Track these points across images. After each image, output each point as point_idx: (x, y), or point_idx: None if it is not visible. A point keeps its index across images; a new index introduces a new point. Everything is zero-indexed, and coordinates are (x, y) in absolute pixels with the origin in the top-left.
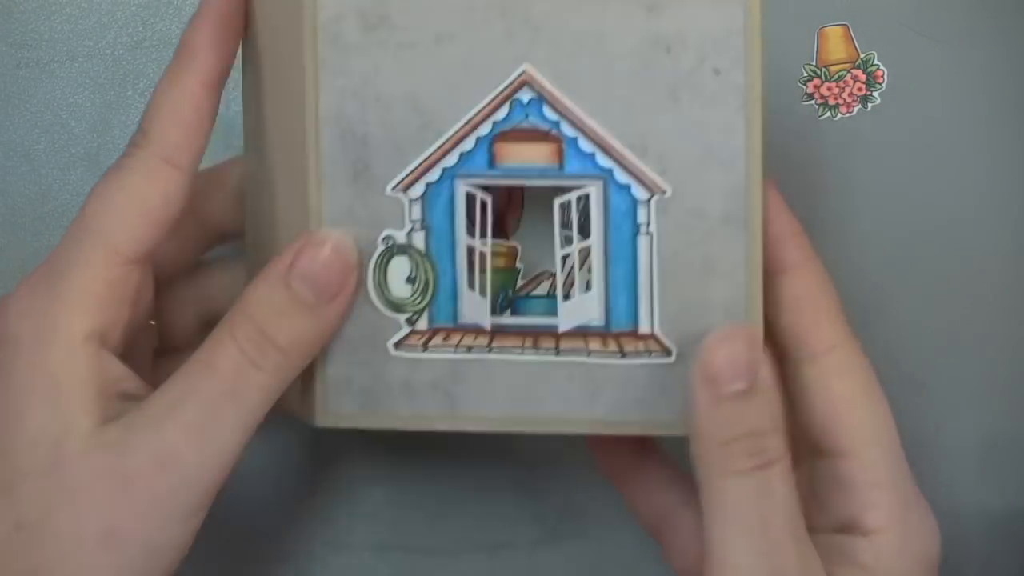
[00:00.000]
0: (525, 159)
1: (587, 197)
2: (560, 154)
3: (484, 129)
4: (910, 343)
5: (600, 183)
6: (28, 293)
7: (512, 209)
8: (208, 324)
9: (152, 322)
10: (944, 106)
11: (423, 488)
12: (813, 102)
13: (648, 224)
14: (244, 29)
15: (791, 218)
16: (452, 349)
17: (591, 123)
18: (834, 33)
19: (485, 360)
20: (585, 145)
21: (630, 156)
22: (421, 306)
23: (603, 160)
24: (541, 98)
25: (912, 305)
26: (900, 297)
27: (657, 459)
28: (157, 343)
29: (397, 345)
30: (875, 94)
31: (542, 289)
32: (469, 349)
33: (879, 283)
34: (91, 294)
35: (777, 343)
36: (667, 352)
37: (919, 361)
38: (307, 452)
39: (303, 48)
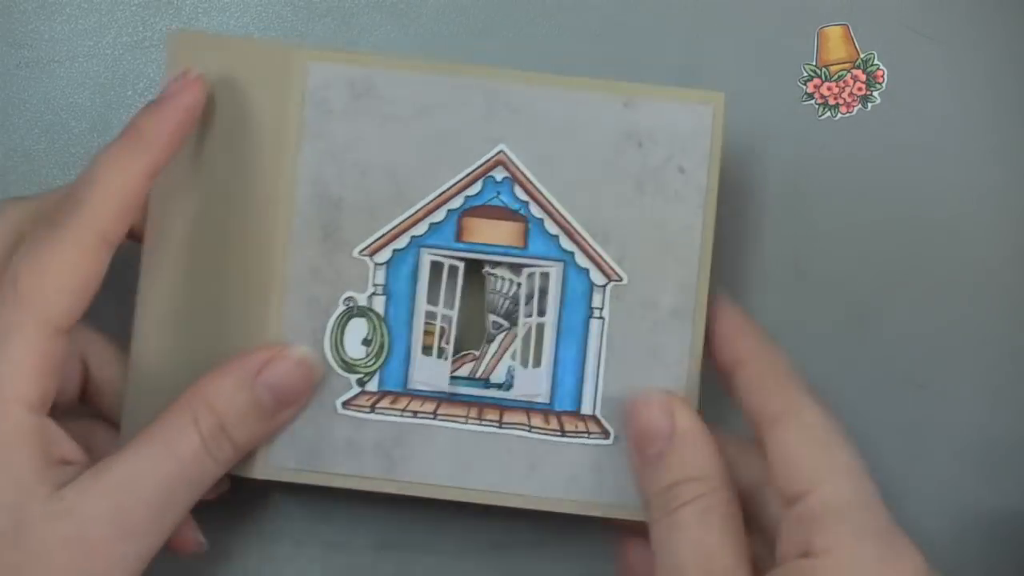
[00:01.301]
0: (491, 236)
1: (547, 276)
2: (524, 235)
3: (456, 202)
4: (910, 342)
5: (560, 265)
6: None
7: None
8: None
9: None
10: (945, 106)
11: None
12: (813, 102)
13: (602, 308)
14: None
15: (741, 314)
16: (399, 413)
17: (559, 207)
18: (834, 33)
19: (429, 426)
20: (551, 227)
21: (592, 243)
22: (373, 368)
23: (566, 243)
24: (513, 179)
25: (912, 304)
26: (900, 296)
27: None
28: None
29: (345, 404)
30: (875, 94)
31: (464, 371)
32: (415, 414)
33: (879, 282)
34: (30, 365)
35: (747, 421)
36: (605, 434)
37: (919, 361)
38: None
39: (287, 110)
